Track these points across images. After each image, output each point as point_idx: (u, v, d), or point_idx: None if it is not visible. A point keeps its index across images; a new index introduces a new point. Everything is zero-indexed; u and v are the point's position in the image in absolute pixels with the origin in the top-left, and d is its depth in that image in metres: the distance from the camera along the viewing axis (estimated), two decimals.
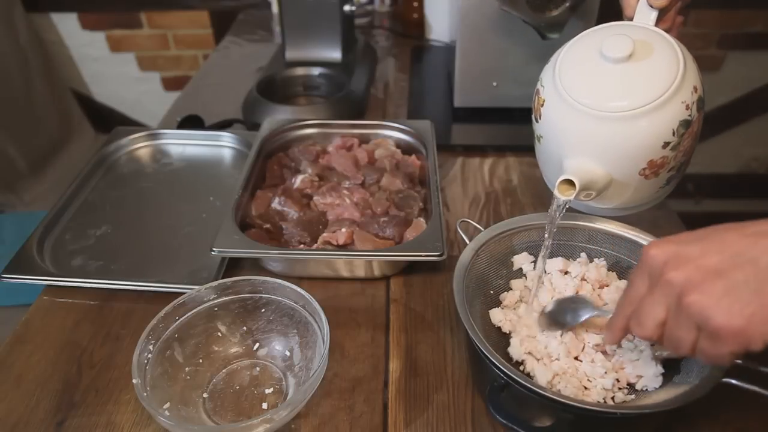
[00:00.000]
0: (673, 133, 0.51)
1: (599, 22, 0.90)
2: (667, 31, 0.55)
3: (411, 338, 0.63)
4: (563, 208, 0.54)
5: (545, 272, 0.61)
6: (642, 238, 0.60)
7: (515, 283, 0.62)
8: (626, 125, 0.51)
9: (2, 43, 1.56)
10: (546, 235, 0.56)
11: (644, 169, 0.53)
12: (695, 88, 0.52)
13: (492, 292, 0.62)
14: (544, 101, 0.56)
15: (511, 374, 0.47)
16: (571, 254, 0.64)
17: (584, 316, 0.53)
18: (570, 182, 0.51)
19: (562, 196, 0.52)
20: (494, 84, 0.98)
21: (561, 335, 0.55)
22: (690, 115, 0.51)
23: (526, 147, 0.94)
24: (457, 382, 0.58)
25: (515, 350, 0.55)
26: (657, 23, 0.56)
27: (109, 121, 1.88)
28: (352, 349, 0.62)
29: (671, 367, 0.54)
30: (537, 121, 0.58)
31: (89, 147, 1.79)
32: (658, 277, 0.40)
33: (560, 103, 0.54)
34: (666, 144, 0.51)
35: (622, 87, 0.52)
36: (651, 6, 0.55)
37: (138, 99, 1.88)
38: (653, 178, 0.54)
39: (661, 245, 0.41)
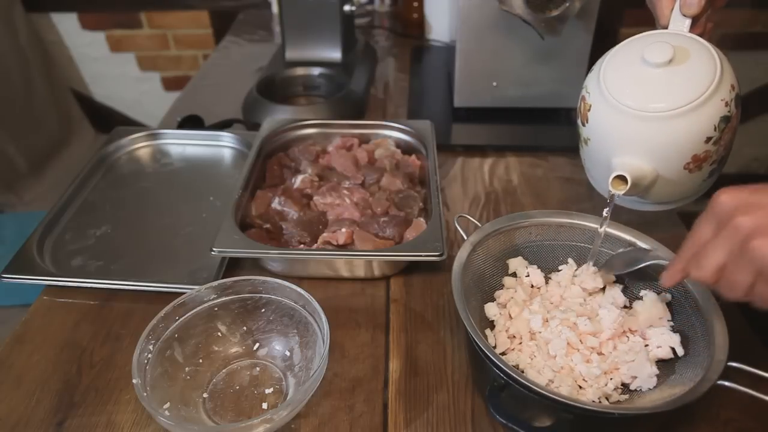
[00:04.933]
0: (715, 129, 0.54)
1: (599, 22, 0.91)
2: (700, 36, 0.58)
3: (411, 338, 0.63)
4: (612, 202, 0.58)
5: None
6: (640, 238, 0.61)
7: (507, 281, 0.63)
8: (671, 124, 0.54)
9: (2, 43, 1.56)
10: (600, 229, 0.61)
11: (689, 163, 0.56)
12: (732, 86, 0.55)
13: (487, 288, 0.62)
14: (590, 106, 0.59)
15: (511, 374, 0.47)
16: (570, 253, 0.64)
17: (642, 264, 0.57)
18: (622, 178, 0.55)
19: (615, 190, 0.56)
20: (494, 84, 0.98)
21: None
22: (729, 111, 0.54)
23: (526, 147, 0.95)
24: (457, 382, 0.58)
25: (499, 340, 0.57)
26: (690, 30, 0.58)
27: (109, 121, 1.88)
28: (352, 349, 0.62)
29: (666, 368, 0.54)
30: (584, 125, 0.61)
31: (89, 147, 1.79)
32: (726, 222, 0.41)
33: (607, 107, 0.57)
34: (708, 139, 0.54)
35: (666, 89, 0.55)
36: (684, 15, 0.57)
37: (138, 99, 1.88)
38: (697, 172, 0.57)
39: (732, 192, 0.42)
